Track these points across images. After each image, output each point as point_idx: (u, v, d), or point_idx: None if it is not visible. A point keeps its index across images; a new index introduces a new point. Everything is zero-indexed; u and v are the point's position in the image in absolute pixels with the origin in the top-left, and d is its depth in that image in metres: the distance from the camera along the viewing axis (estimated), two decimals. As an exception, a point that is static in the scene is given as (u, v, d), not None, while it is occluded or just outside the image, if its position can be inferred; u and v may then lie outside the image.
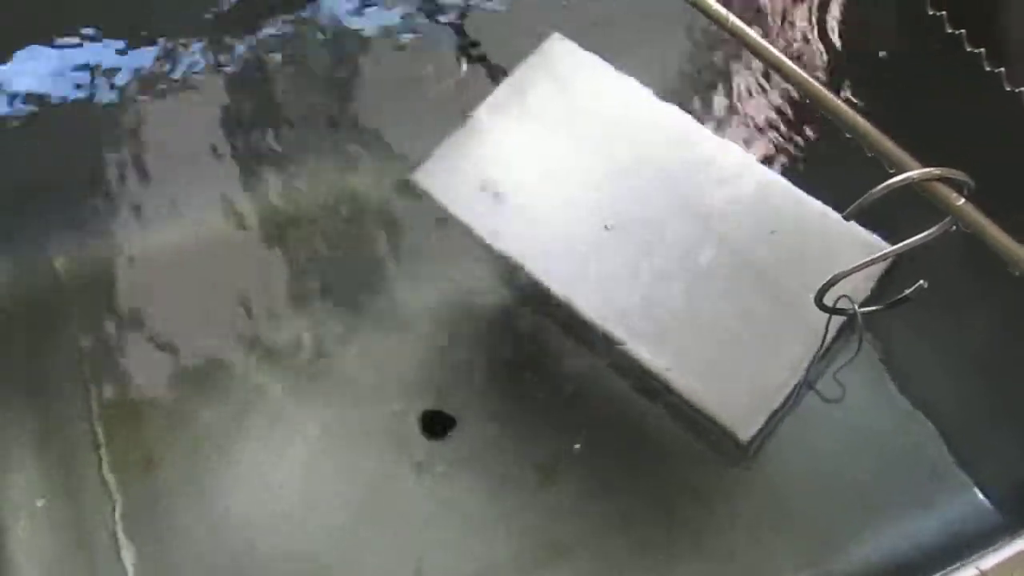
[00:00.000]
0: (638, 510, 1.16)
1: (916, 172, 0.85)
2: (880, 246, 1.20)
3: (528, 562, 1.13)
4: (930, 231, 0.88)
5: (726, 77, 1.46)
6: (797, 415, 1.19)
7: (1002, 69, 1.30)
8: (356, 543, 1.14)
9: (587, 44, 1.40)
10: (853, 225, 1.22)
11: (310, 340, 1.26)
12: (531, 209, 1.30)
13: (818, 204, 1.27)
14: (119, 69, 1.44)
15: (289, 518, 1.15)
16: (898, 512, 1.15)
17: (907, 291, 0.99)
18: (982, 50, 1.32)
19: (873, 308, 1.03)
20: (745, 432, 1.15)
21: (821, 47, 1.47)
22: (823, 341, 1.08)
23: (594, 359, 1.24)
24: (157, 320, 1.27)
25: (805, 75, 0.92)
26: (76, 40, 1.45)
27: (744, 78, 1.45)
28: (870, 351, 1.23)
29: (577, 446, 1.18)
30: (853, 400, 1.19)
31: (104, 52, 1.45)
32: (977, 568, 0.97)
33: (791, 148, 1.39)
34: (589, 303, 1.23)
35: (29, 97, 1.41)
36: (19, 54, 1.43)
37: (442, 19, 1.50)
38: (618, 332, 1.21)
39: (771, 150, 1.38)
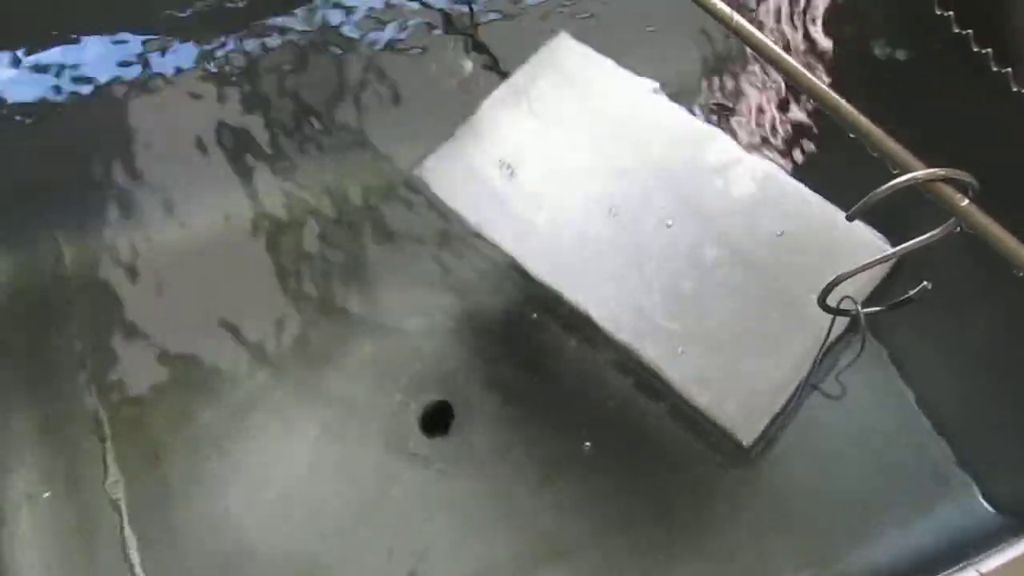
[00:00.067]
0: (639, 510, 1.15)
1: (920, 172, 0.84)
2: (884, 247, 1.20)
3: (528, 562, 1.12)
4: (934, 232, 0.87)
5: (731, 76, 1.46)
6: (799, 416, 1.18)
7: (1009, 69, 1.30)
8: (356, 543, 1.14)
9: (592, 43, 1.40)
10: (858, 225, 1.21)
11: (310, 340, 1.26)
12: (534, 206, 1.30)
13: (822, 204, 1.26)
14: (117, 68, 1.44)
15: (289, 518, 1.15)
16: (900, 513, 1.15)
17: (911, 292, 0.99)
18: (989, 50, 1.32)
19: (876, 309, 1.02)
20: (747, 435, 1.14)
21: (824, 45, 1.47)
22: (825, 342, 1.08)
23: (596, 359, 1.24)
24: (158, 319, 1.27)
25: (808, 74, 0.91)
26: (73, 38, 1.45)
27: (748, 77, 1.45)
28: (873, 352, 1.23)
29: (588, 444, 1.18)
30: (855, 401, 1.19)
31: (101, 50, 1.45)
32: (978, 571, 0.96)
33: (795, 147, 1.38)
34: (592, 302, 1.23)
35: (36, 94, 1.42)
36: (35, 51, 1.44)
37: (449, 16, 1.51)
38: (621, 332, 1.21)
39: (775, 149, 1.37)
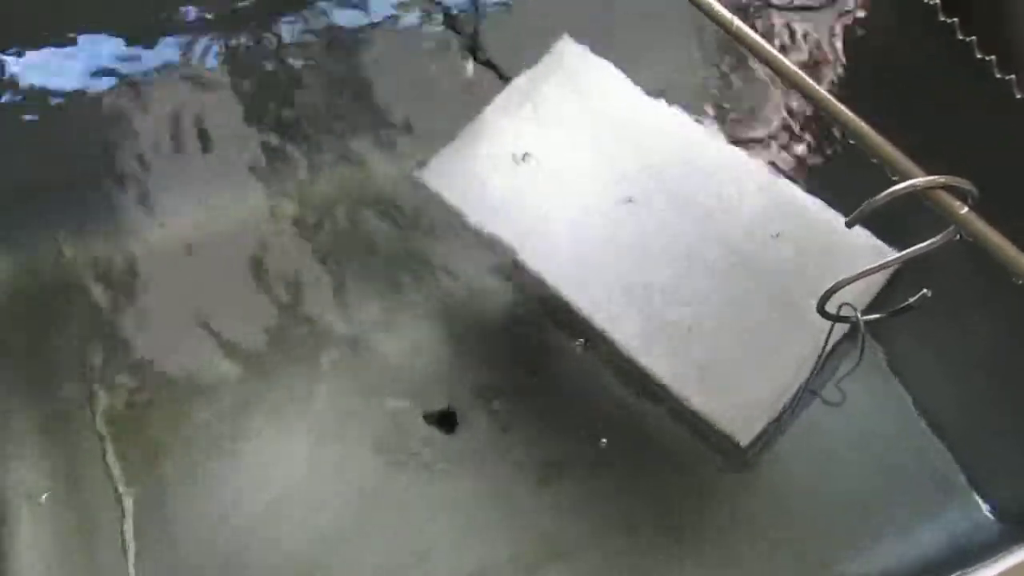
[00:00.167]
0: (639, 512, 1.15)
1: (920, 180, 0.84)
2: (885, 253, 1.20)
3: (529, 562, 1.12)
4: (933, 240, 0.87)
5: (731, 80, 1.46)
6: (800, 421, 1.18)
7: (1013, 77, 1.30)
8: (356, 543, 1.14)
9: (593, 46, 1.40)
10: (859, 231, 1.21)
11: (312, 339, 1.26)
12: (537, 209, 1.30)
13: (823, 209, 1.26)
14: (124, 64, 1.44)
15: (289, 518, 1.15)
16: (900, 520, 1.15)
17: (911, 299, 0.99)
18: (993, 57, 1.32)
19: (876, 316, 1.02)
20: (744, 437, 1.14)
21: (825, 51, 1.47)
22: (824, 349, 1.08)
23: (596, 360, 1.24)
24: (158, 319, 1.27)
25: (808, 79, 0.91)
26: (83, 35, 1.45)
27: (749, 81, 1.45)
28: (874, 358, 1.23)
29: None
30: (856, 407, 1.18)
31: (109, 47, 1.45)
32: (978, 578, 0.96)
33: (796, 152, 1.38)
34: (592, 303, 1.23)
35: (37, 92, 1.42)
36: (30, 51, 1.44)
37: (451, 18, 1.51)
38: (620, 333, 1.21)
39: (776, 154, 1.37)
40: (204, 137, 1.40)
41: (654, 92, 1.38)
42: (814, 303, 0.98)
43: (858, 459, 1.18)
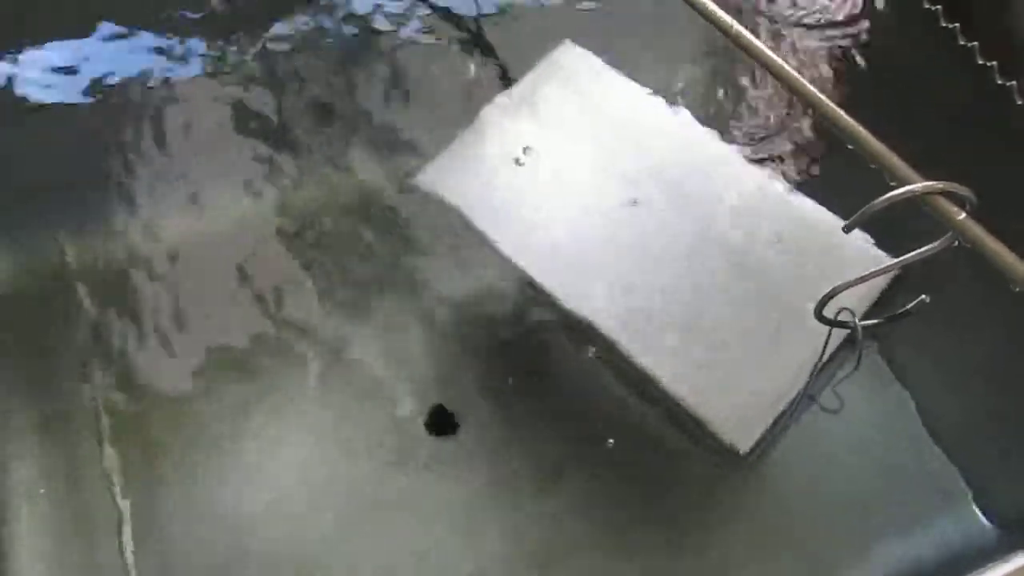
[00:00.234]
0: (639, 513, 1.15)
1: (918, 186, 0.84)
2: (883, 259, 1.20)
3: (529, 563, 1.12)
4: (931, 246, 0.87)
5: (731, 83, 1.46)
6: (798, 426, 1.18)
7: (1014, 83, 1.29)
8: (356, 543, 1.14)
9: (594, 48, 1.40)
10: (856, 236, 1.21)
11: (313, 340, 1.26)
12: (536, 212, 1.30)
13: (822, 213, 1.26)
14: (123, 65, 1.45)
15: (289, 518, 1.15)
16: (898, 526, 1.14)
17: (909, 305, 0.99)
18: (994, 63, 1.32)
19: (874, 322, 1.02)
20: (743, 442, 1.14)
21: (825, 55, 1.47)
22: (822, 354, 1.08)
23: (595, 362, 1.24)
24: (159, 317, 1.27)
25: (807, 84, 0.91)
26: (71, 37, 1.46)
27: (748, 84, 1.45)
28: (872, 364, 1.23)
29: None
30: (855, 413, 1.18)
31: (107, 47, 1.46)
32: (975, 584, 0.96)
33: (794, 155, 1.38)
34: (591, 305, 1.23)
35: (33, 95, 1.42)
36: (29, 50, 1.45)
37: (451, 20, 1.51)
38: (620, 336, 1.21)
39: (774, 156, 1.37)
40: (205, 138, 1.40)
41: (654, 92, 1.38)
42: (812, 309, 0.98)
43: (858, 462, 1.18)
